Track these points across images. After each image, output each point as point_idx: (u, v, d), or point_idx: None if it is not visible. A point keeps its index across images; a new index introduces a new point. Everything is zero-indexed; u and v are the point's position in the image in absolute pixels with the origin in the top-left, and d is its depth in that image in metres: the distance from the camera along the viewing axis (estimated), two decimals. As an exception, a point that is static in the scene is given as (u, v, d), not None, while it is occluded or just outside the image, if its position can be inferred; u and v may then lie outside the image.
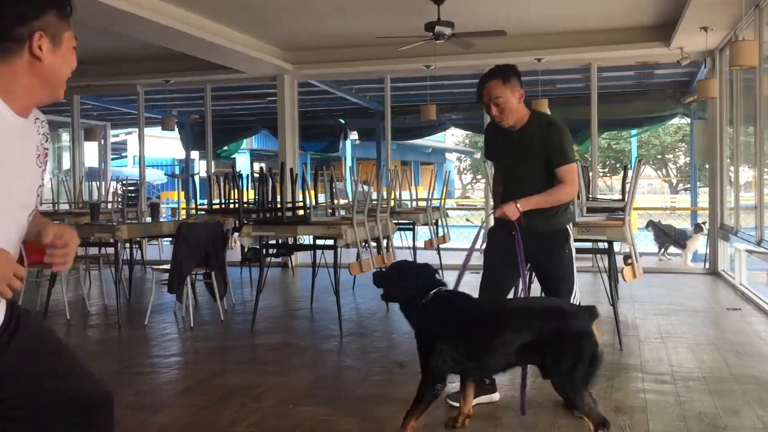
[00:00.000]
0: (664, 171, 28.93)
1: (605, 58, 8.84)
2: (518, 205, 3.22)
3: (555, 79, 10.67)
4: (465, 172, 32.89)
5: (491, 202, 5.97)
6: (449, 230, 8.73)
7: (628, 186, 5.35)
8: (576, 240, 5.08)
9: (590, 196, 7.29)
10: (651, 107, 12.02)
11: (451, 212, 10.72)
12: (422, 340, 2.93)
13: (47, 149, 1.76)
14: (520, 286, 3.47)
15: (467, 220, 14.32)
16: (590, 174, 8.24)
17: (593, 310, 2.91)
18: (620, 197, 6.54)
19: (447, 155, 29.11)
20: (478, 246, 3.63)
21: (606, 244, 5.03)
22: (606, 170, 26.16)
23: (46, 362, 1.74)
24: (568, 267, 3.43)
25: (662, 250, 10.17)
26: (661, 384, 3.96)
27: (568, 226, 3.47)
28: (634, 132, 17.35)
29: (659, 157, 27.85)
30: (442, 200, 8.72)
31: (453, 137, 28.58)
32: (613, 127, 13.32)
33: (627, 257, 5.17)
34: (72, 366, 1.83)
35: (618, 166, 25.47)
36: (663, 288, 7.53)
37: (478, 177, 28.67)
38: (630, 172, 5.50)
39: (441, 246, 8.26)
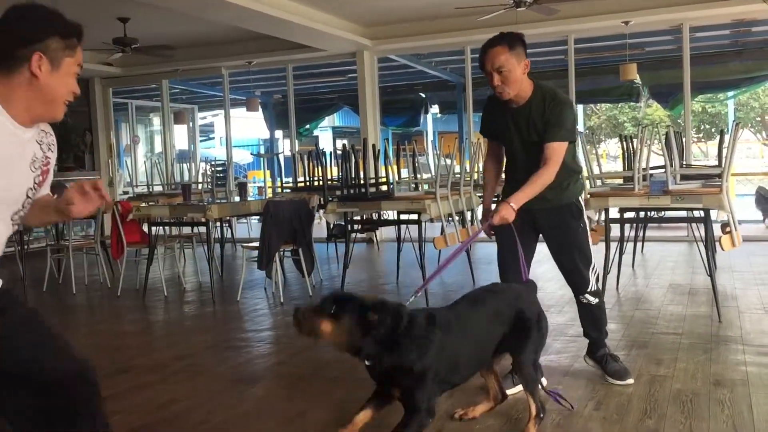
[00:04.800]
0: (764, 134, 27.41)
1: (698, 17, 8.40)
2: (512, 204, 3.02)
3: (643, 41, 10.22)
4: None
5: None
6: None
7: (725, 151, 5.10)
8: (669, 209, 4.92)
9: (684, 162, 6.99)
10: (749, 67, 11.35)
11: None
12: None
13: (49, 158, 1.95)
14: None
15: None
16: (683, 140, 7.90)
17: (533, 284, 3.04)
18: (716, 163, 6.24)
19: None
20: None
21: (702, 213, 4.83)
22: (701, 135, 24.99)
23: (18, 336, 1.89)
24: (583, 239, 3.30)
25: (765, 218, 9.69)
26: (763, 356, 3.78)
27: (579, 197, 3.31)
28: (730, 94, 16.48)
29: (758, 119, 26.38)
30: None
31: (536, 107, 27.96)
32: (707, 89, 12.67)
33: (725, 225, 4.94)
34: (43, 341, 1.96)
35: (713, 130, 24.30)
36: (765, 257, 7.16)
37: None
38: (727, 137, 5.23)
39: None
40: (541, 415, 2.78)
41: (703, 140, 24.94)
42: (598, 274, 3.38)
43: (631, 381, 3.35)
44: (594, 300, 3.35)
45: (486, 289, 2.99)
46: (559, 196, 3.23)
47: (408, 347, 2.47)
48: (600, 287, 3.39)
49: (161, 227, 6.85)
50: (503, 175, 3.56)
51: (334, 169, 8.51)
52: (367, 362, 2.51)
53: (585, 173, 5.62)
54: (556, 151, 3.09)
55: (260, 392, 3.59)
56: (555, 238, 3.32)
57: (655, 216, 6.21)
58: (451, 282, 6.49)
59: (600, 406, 3.12)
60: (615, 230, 5.25)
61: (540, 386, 2.91)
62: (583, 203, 3.34)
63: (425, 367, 2.48)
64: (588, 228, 3.34)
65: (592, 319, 3.44)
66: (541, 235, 3.41)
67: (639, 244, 7.26)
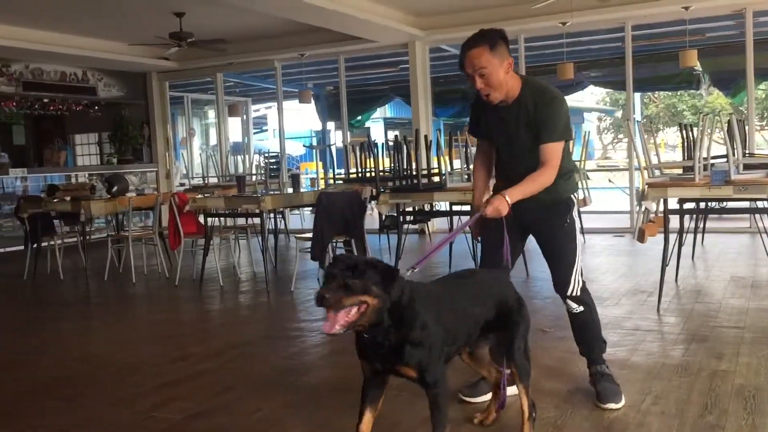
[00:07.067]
0: (831, 122, 26.33)
1: (762, 0, 8.10)
2: (507, 198, 2.86)
3: (704, 27, 9.90)
4: (606, 131, 31.60)
5: (635, 162, 5.70)
6: (590, 192, 8.44)
7: (791, 139, 4.91)
8: (731, 199, 4.77)
9: (747, 151, 6.76)
10: (816, 52, 10.89)
11: (591, 174, 10.35)
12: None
13: None
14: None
15: (609, 181, 13.79)
16: (746, 128, 7.64)
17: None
18: (782, 152, 6.01)
19: (585, 115, 27.99)
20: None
21: (766, 203, 4.66)
22: (764, 123, 24.15)
23: None
24: (566, 240, 3.08)
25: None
26: (832, 353, 3.64)
27: (571, 195, 3.12)
28: (795, 80, 15.88)
29: (825, 106, 25.35)
30: (582, 162, 8.42)
31: (593, 96, 27.41)
32: (771, 75, 12.21)
33: (791, 216, 4.76)
34: None
35: (777, 118, 23.46)
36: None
37: (620, 137, 27.40)
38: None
39: (582, 209, 8.00)
40: (534, 414, 2.65)
41: (767, 128, 24.10)
42: (582, 281, 3.10)
43: (614, 406, 2.98)
44: (576, 308, 3.09)
45: (467, 271, 2.92)
46: (549, 195, 3.04)
47: (414, 320, 2.33)
48: (584, 296, 3.10)
49: (217, 218, 6.97)
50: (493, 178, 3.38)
51: (386, 161, 8.53)
52: (366, 335, 2.31)
53: (643, 163, 5.50)
54: (553, 152, 2.93)
55: (314, 381, 3.63)
56: (540, 235, 3.16)
57: (717, 207, 6.04)
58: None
59: (658, 401, 3.05)
60: (674, 221, 5.11)
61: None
62: (575, 200, 3.16)
63: (432, 338, 2.36)
64: (575, 226, 3.12)
65: (578, 331, 3.16)
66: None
67: (699, 236, 7.06)
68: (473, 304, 2.63)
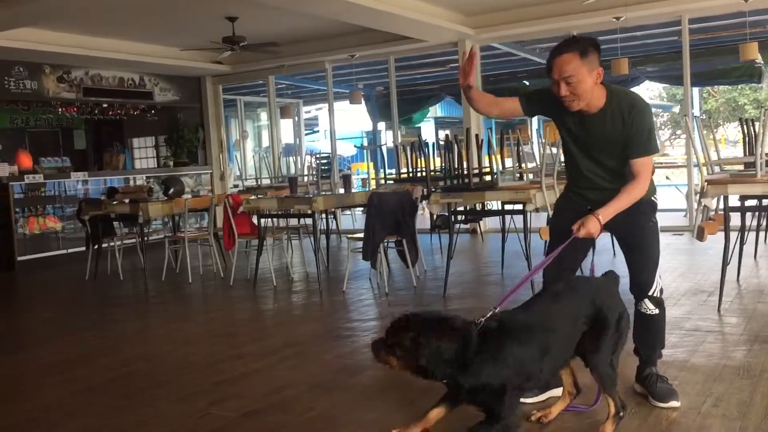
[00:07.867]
0: None
1: (828, -12, 7.80)
2: (600, 218, 2.80)
3: (765, 19, 9.58)
4: (663, 127, 30.92)
5: (693, 159, 5.56)
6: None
7: None
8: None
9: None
10: None
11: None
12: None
13: None
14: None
15: (666, 178, 13.47)
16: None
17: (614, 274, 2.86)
18: None
19: (640, 111, 27.38)
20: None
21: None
22: (829, 117, 23.24)
23: None
24: (652, 239, 3.01)
25: None
26: None
27: (653, 197, 3.04)
28: None
29: None
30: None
31: (648, 91, 26.82)
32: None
33: None
34: None
35: None
36: None
37: (678, 132, 26.74)
38: None
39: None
40: (621, 414, 2.65)
41: (833, 122, 23.18)
42: (661, 284, 3.05)
43: (676, 404, 2.94)
44: (654, 310, 3.03)
45: (565, 285, 2.83)
46: None
47: (482, 365, 2.41)
48: (661, 299, 3.06)
49: (270, 219, 7.06)
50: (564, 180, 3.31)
51: (437, 160, 8.50)
52: (444, 381, 2.51)
53: (702, 160, 5.36)
54: (646, 165, 2.89)
55: (366, 381, 3.64)
56: (623, 236, 3.09)
57: (780, 204, 5.84)
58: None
59: (719, 403, 2.96)
60: (735, 219, 4.96)
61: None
62: (657, 201, 3.09)
63: (502, 381, 2.41)
64: (658, 229, 3.07)
65: (647, 332, 3.07)
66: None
67: (762, 234, 6.83)
68: (567, 331, 2.63)
